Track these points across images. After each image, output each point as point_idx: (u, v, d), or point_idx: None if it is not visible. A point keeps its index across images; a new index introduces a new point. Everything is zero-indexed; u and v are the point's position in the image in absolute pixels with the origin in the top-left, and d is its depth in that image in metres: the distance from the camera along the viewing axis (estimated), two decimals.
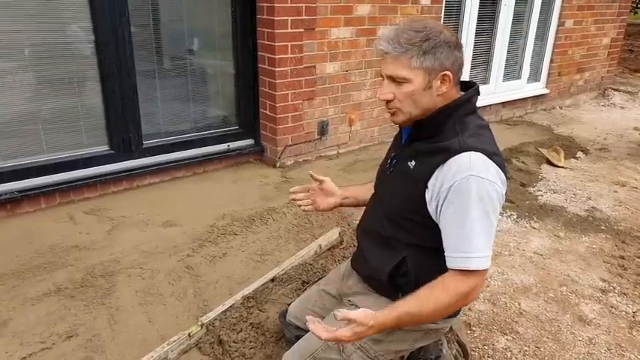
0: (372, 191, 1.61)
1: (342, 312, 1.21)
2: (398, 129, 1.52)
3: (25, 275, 2.26)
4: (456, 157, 1.24)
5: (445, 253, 1.26)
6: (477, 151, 1.24)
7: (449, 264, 1.25)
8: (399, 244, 1.37)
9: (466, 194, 1.21)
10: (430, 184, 1.28)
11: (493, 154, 1.27)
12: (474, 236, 1.21)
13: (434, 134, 1.32)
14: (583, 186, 3.67)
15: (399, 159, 1.43)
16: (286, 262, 2.39)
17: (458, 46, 1.30)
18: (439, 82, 1.29)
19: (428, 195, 1.28)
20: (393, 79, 1.30)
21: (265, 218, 2.83)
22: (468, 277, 1.22)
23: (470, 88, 1.38)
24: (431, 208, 1.29)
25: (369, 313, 1.22)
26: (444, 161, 1.25)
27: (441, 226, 1.28)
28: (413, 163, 1.35)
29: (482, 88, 1.43)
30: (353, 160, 3.84)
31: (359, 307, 1.49)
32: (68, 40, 2.87)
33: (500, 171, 1.27)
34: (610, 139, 4.86)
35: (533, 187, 3.62)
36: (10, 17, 2.65)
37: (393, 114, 1.36)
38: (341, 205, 1.76)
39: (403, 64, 1.27)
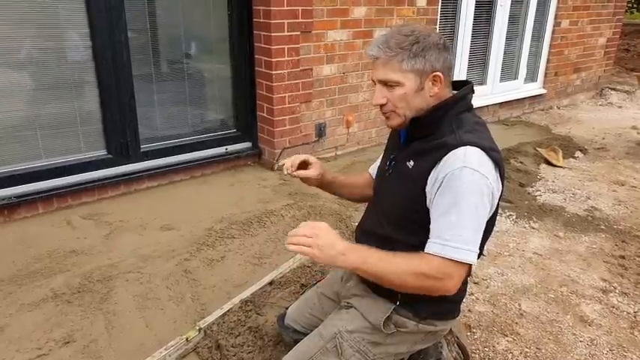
0: (358, 180, 1.69)
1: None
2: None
3: (22, 281, 2.25)
4: (453, 151, 1.25)
5: (429, 240, 1.24)
6: (473, 145, 1.25)
7: (428, 248, 1.23)
8: (397, 244, 1.36)
9: (457, 184, 1.22)
10: (429, 179, 1.28)
11: (490, 150, 1.27)
12: (461, 227, 1.20)
13: (431, 132, 1.33)
14: (582, 185, 3.67)
15: (397, 160, 1.43)
16: (284, 265, 2.38)
17: (446, 48, 1.32)
18: (431, 83, 1.31)
19: (427, 189, 1.29)
20: (385, 84, 1.33)
21: (263, 221, 2.82)
22: (455, 265, 1.20)
23: (464, 87, 1.39)
24: (428, 202, 1.29)
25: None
26: (442, 157, 1.26)
27: (431, 215, 1.27)
28: (412, 162, 1.35)
29: (479, 89, 1.44)
30: (351, 162, 3.84)
31: (356, 309, 1.49)
32: (65, 46, 2.86)
33: (496, 166, 1.27)
34: (608, 138, 4.86)
35: (532, 187, 3.61)
36: (6, 23, 2.64)
37: (388, 118, 1.39)
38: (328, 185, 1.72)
39: (394, 67, 1.30)
